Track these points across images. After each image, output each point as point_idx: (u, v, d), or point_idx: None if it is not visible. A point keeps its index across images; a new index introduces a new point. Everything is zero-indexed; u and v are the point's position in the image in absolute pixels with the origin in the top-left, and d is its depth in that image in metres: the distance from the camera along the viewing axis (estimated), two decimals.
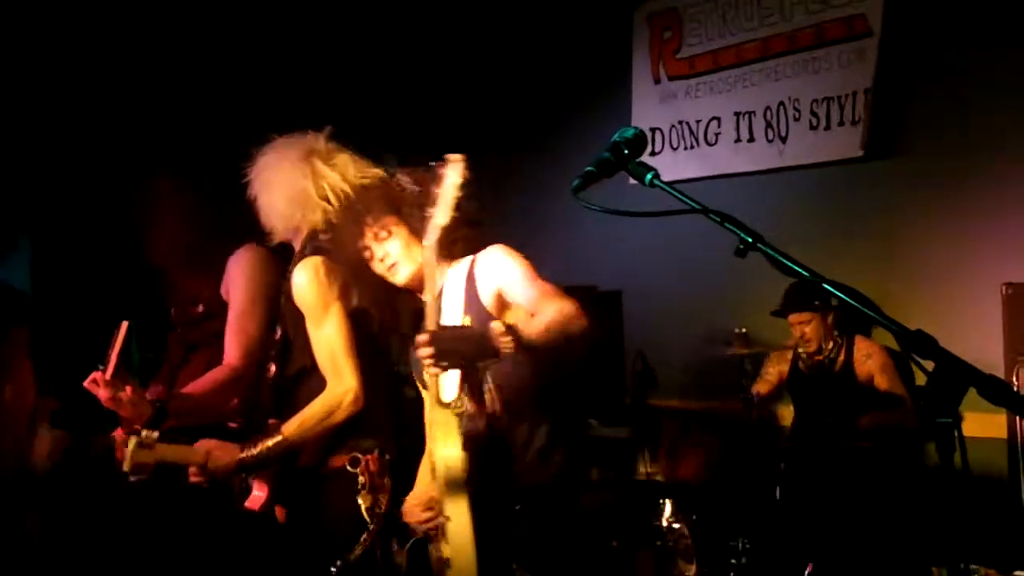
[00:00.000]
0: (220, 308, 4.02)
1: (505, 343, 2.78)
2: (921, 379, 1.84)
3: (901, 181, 5.92)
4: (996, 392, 1.73)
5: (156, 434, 3.41)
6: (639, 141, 2.20)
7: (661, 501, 5.23)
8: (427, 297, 2.95)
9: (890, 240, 5.95)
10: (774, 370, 5.77)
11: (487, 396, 3.07)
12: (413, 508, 3.29)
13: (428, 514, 3.20)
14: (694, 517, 5.15)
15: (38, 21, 5.94)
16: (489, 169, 8.41)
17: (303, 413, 3.47)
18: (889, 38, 5.86)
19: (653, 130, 6.98)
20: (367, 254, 3.26)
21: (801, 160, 6.31)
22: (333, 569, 3.38)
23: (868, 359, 5.41)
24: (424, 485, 3.32)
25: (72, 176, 6.10)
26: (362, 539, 3.40)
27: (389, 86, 7.55)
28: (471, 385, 3.03)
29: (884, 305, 1.93)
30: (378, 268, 3.26)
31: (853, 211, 6.12)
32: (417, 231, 3.11)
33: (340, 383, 3.41)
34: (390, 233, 3.23)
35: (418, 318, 3.11)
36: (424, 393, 3.32)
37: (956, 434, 1.79)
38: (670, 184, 2.14)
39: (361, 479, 3.47)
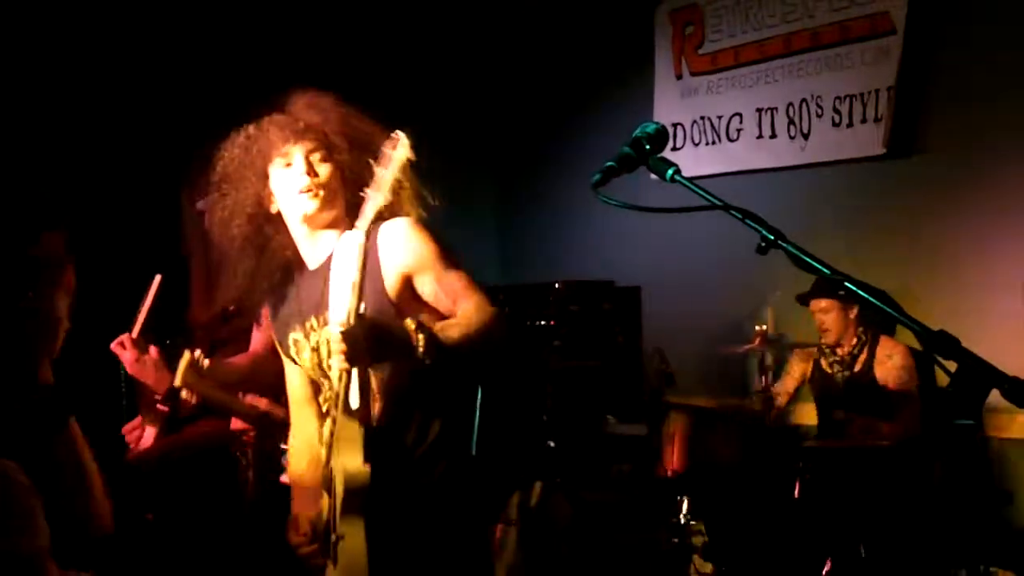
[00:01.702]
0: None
1: (420, 344, 2.54)
2: (942, 380, 1.82)
3: (923, 179, 5.89)
4: (1021, 394, 1.70)
5: (207, 360, 3.34)
6: (660, 136, 2.18)
7: (678, 498, 5.21)
8: (350, 280, 2.61)
9: (911, 238, 5.92)
10: (798, 368, 5.75)
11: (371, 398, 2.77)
12: (300, 539, 2.92)
13: (311, 547, 2.87)
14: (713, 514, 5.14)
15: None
16: (509, 163, 8.50)
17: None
18: (912, 36, 5.82)
19: (674, 126, 6.95)
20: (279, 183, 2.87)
21: (823, 157, 6.27)
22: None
23: (889, 359, 5.38)
24: (304, 506, 2.99)
25: (99, 163, 6.15)
26: None
27: (409, 78, 7.54)
28: (363, 386, 2.71)
29: (905, 304, 1.91)
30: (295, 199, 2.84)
31: (874, 209, 6.09)
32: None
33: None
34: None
35: (285, 275, 2.93)
36: (299, 384, 3.04)
37: (977, 436, 1.77)
38: (691, 180, 2.11)
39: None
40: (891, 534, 4.84)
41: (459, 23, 7.67)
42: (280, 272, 2.95)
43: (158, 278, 3.61)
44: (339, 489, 2.69)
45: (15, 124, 5.70)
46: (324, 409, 2.89)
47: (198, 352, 3.30)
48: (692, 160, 6.77)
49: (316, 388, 2.98)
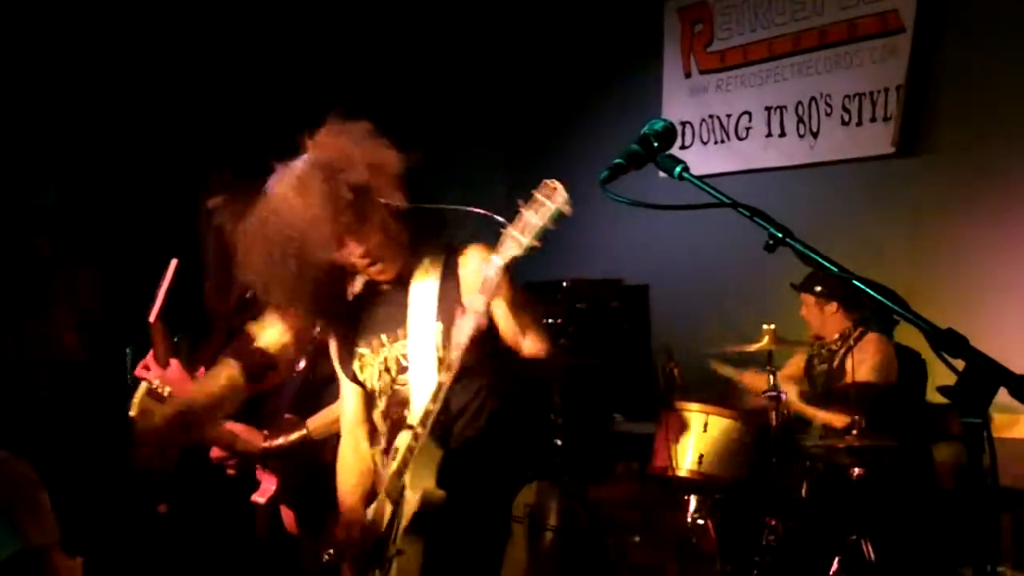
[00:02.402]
0: None
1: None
2: (946, 379, 1.82)
3: (931, 178, 5.88)
4: None
5: (169, 389, 3.39)
6: (668, 134, 2.18)
7: (686, 497, 5.21)
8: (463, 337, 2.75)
9: (919, 237, 5.91)
10: (794, 362, 5.74)
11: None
12: (350, 542, 3.12)
13: (358, 552, 3.06)
14: (718, 514, 5.14)
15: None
16: (519, 158, 8.48)
17: (331, 410, 3.46)
18: (922, 35, 5.81)
19: (683, 124, 6.95)
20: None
21: (832, 156, 6.27)
22: (326, 557, 3.38)
23: (860, 352, 5.30)
24: (353, 507, 3.18)
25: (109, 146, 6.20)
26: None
27: (416, 76, 7.56)
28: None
29: (911, 302, 1.90)
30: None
31: (883, 207, 6.08)
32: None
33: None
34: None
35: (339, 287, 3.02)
36: (354, 403, 3.21)
37: (985, 435, 1.77)
38: (699, 178, 2.11)
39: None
40: (897, 533, 4.83)
41: (471, 19, 7.66)
42: (336, 285, 3.06)
43: (174, 262, 3.62)
44: (408, 507, 2.86)
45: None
46: (383, 423, 3.07)
47: (156, 381, 3.34)
48: (701, 158, 6.77)
49: (370, 406, 3.15)
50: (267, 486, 3.65)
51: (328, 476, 3.39)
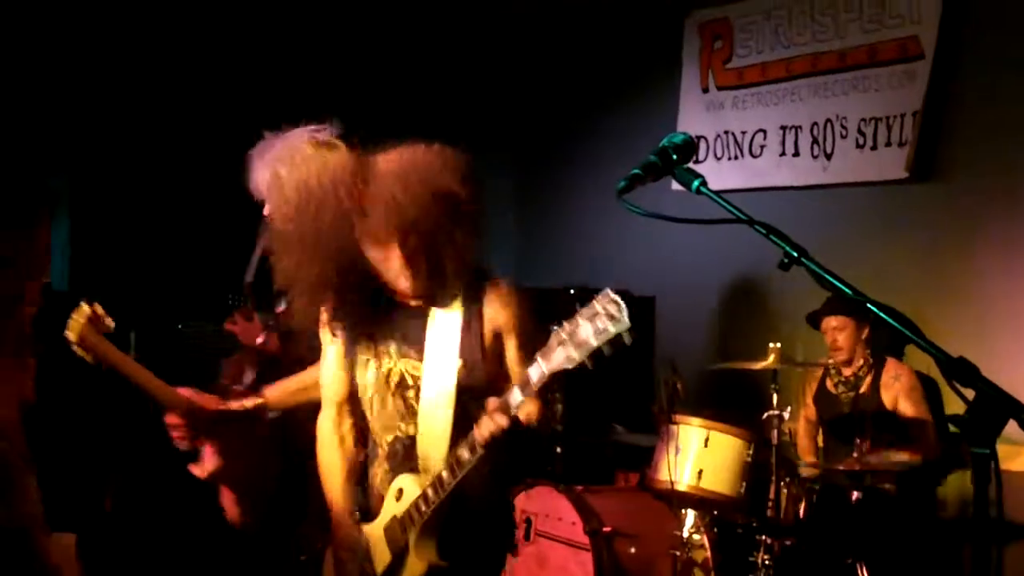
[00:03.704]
0: None
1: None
2: (955, 407, 1.81)
3: (944, 205, 5.87)
4: None
5: (111, 321, 3.35)
6: (687, 147, 2.19)
7: (683, 511, 5.20)
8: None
9: (930, 264, 5.90)
10: (808, 388, 5.72)
11: None
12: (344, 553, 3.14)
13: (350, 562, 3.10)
14: (716, 530, 5.13)
15: None
16: (530, 167, 8.48)
17: (290, 380, 3.49)
18: (941, 62, 5.81)
19: (698, 138, 6.94)
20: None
21: (845, 178, 6.27)
22: (303, 557, 3.38)
23: (895, 381, 5.34)
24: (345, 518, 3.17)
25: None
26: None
27: (436, 81, 7.59)
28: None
29: (920, 329, 1.90)
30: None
31: (894, 232, 6.07)
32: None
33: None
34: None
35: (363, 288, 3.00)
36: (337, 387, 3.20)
37: (992, 465, 1.76)
38: (713, 194, 2.12)
39: None
40: (894, 559, 4.82)
41: (486, 27, 7.66)
42: (358, 283, 3.01)
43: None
44: (411, 571, 2.95)
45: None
46: (382, 434, 3.10)
47: (98, 307, 3.29)
48: (714, 174, 6.75)
49: (354, 403, 3.16)
50: (208, 461, 3.58)
51: (268, 458, 3.48)
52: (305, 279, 2.94)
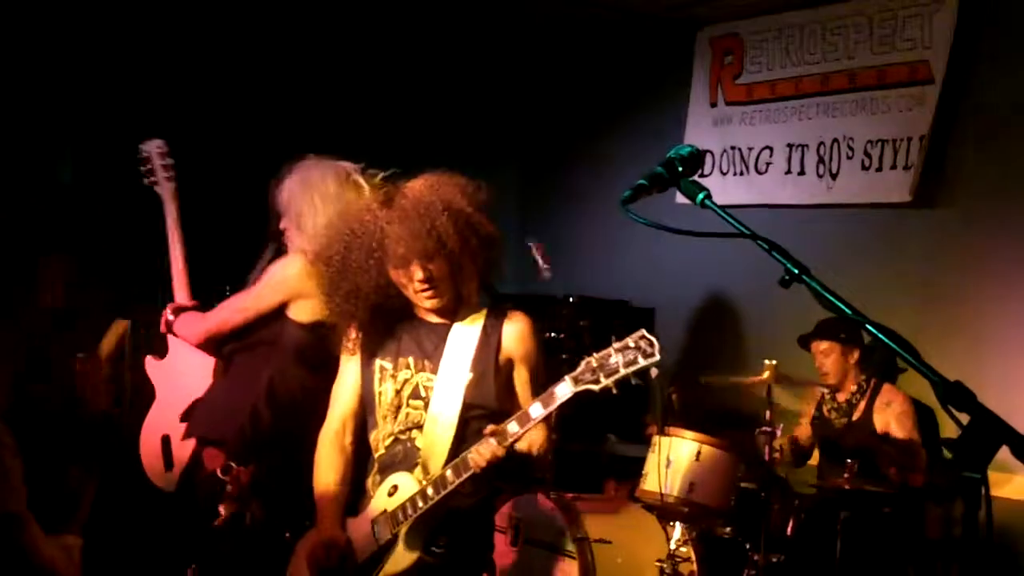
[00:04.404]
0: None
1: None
2: (948, 431, 1.81)
3: (946, 231, 5.87)
4: None
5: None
6: (694, 160, 2.19)
7: (672, 524, 5.19)
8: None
9: (928, 289, 5.90)
10: (807, 409, 5.73)
11: None
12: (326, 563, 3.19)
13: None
14: (703, 544, 5.12)
15: None
16: (535, 173, 8.47)
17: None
18: (950, 88, 5.81)
19: (704, 152, 6.92)
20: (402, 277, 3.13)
21: (849, 199, 6.27)
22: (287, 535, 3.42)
23: (888, 406, 5.35)
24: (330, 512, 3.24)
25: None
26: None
27: (437, 85, 7.60)
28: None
29: (918, 352, 1.90)
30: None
31: (894, 255, 6.07)
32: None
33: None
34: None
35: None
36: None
37: (983, 491, 1.76)
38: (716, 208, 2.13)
39: (228, 488, 3.52)
40: None
41: (492, 33, 7.66)
42: (383, 301, 3.16)
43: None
44: (397, 564, 3.03)
45: None
46: (383, 439, 3.20)
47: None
48: (718, 189, 6.65)
49: (362, 414, 3.28)
50: None
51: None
52: (338, 304, 3.16)
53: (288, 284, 3.73)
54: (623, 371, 2.67)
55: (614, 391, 2.71)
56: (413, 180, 3.15)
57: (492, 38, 7.67)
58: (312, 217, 3.69)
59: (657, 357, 2.65)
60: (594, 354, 2.72)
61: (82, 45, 6.36)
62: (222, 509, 3.53)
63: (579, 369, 2.73)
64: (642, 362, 2.65)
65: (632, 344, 2.67)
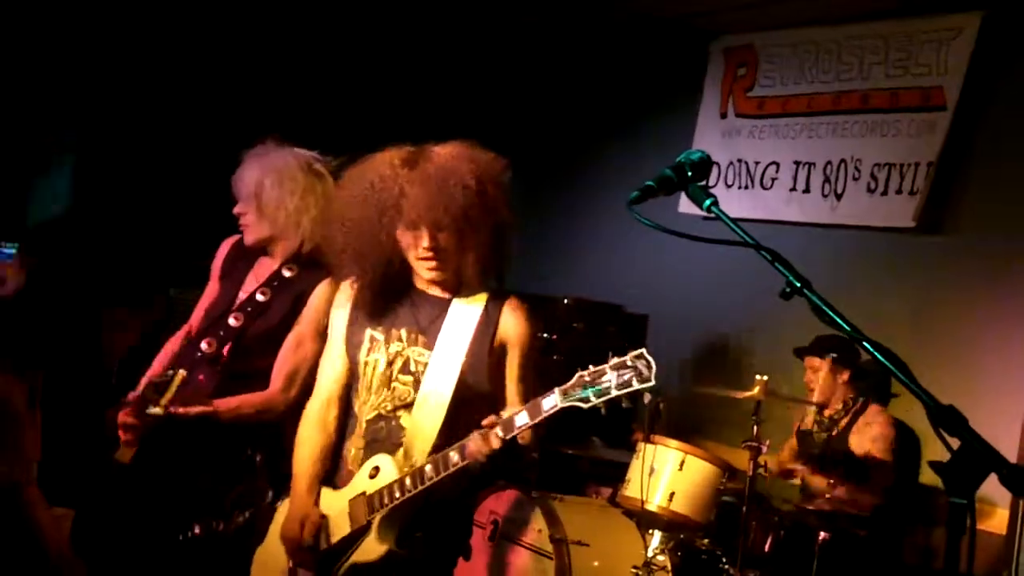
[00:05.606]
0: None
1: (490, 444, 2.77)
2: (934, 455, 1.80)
3: (948, 258, 5.87)
4: (1019, 482, 1.69)
5: None
6: (704, 165, 2.19)
7: (650, 531, 5.19)
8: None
9: (926, 314, 5.89)
10: (798, 422, 5.76)
11: None
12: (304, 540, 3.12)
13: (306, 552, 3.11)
14: (680, 554, 5.11)
15: None
16: (532, 178, 8.44)
17: (242, 398, 3.56)
18: (962, 115, 5.80)
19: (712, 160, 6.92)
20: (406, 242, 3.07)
21: (852, 220, 6.26)
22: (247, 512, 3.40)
23: (867, 427, 5.37)
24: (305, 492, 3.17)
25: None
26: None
27: (455, 94, 7.60)
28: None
29: (912, 374, 1.89)
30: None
31: (894, 280, 6.07)
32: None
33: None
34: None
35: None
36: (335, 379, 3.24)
37: (968, 517, 1.75)
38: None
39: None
40: None
41: (502, 39, 7.65)
42: (383, 264, 3.08)
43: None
44: (368, 552, 2.96)
45: None
46: (365, 409, 3.12)
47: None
48: (722, 200, 6.60)
49: (349, 387, 3.19)
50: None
51: None
52: (346, 263, 3.11)
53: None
54: (615, 393, 2.57)
55: (603, 412, 2.61)
56: (442, 145, 3.08)
57: (496, 38, 7.66)
58: (279, 202, 3.63)
59: (652, 382, 2.53)
60: (589, 368, 2.63)
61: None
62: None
63: (570, 383, 2.65)
64: (636, 385, 2.55)
65: (629, 363, 2.56)
